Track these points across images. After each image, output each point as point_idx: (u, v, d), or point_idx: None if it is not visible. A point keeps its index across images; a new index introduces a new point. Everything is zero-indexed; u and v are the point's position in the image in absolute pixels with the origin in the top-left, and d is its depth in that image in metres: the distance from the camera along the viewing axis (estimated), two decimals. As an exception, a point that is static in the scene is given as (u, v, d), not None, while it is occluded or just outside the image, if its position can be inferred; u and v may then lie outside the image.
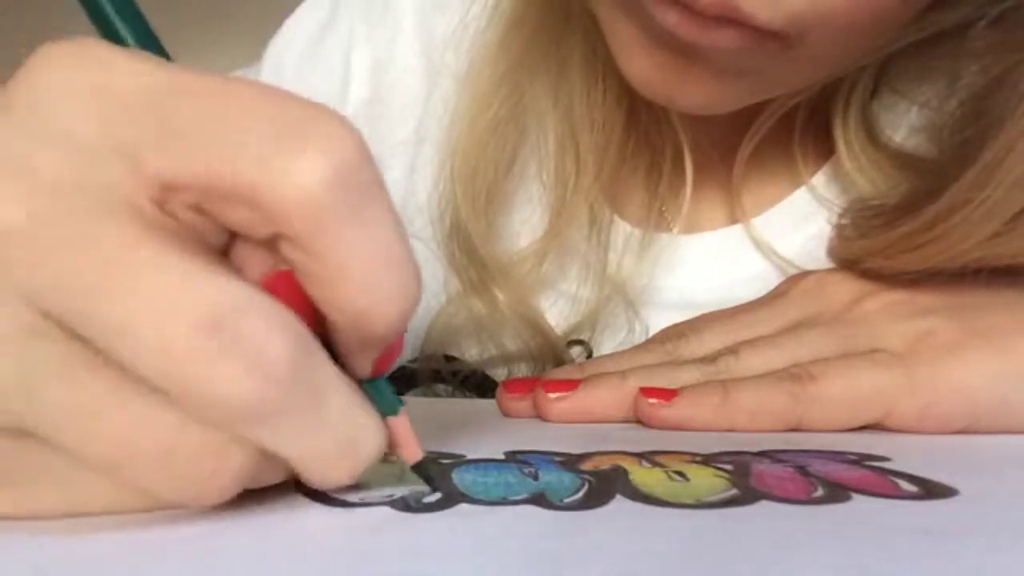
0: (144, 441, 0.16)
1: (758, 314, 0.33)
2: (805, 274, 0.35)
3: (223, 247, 0.17)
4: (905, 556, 0.15)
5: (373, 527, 0.17)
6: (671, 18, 0.28)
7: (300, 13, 0.50)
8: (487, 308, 0.42)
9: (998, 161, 0.28)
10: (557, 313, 0.42)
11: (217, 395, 0.15)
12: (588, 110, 0.41)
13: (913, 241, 0.31)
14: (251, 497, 0.19)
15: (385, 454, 0.19)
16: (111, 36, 0.18)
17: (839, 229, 0.36)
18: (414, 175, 0.46)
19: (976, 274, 0.31)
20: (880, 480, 0.21)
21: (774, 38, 0.28)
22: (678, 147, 0.40)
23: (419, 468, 0.20)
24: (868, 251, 0.33)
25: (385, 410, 0.19)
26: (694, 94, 0.32)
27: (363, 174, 0.16)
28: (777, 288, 0.35)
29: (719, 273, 0.41)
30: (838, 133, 0.38)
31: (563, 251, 0.42)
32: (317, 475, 0.18)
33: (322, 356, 0.17)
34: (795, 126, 0.39)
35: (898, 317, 0.30)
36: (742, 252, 0.41)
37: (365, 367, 0.19)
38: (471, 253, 0.42)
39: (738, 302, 0.35)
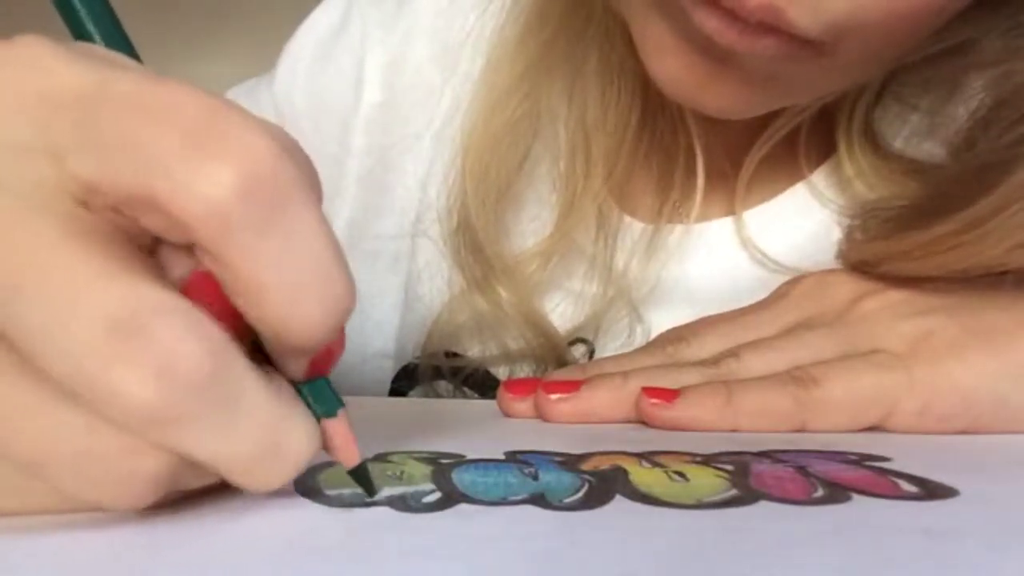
0: (58, 444, 0.16)
1: (759, 316, 0.33)
2: (805, 275, 0.35)
3: (150, 247, 0.17)
4: (905, 556, 0.15)
5: (373, 527, 0.17)
6: (712, 23, 0.28)
7: (313, 18, 0.50)
8: (491, 306, 0.42)
9: None
10: (561, 312, 0.42)
11: (121, 397, 0.15)
12: (602, 112, 0.41)
13: (947, 243, 0.30)
14: (250, 497, 0.19)
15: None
16: (78, 31, 0.18)
17: (849, 231, 0.36)
18: (429, 174, 0.46)
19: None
20: (880, 480, 0.21)
21: (810, 46, 0.28)
22: (690, 149, 0.40)
23: (355, 473, 0.20)
24: (889, 254, 0.33)
25: (321, 412, 0.19)
26: (721, 97, 0.32)
27: (278, 183, 0.16)
28: (777, 290, 0.35)
29: (724, 265, 0.41)
30: (840, 136, 0.38)
31: (570, 251, 0.42)
32: (241, 479, 0.18)
33: (240, 361, 0.17)
34: (802, 126, 0.39)
35: (898, 317, 0.30)
36: (744, 245, 0.41)
37: (298, 370, 0.18)
38: (477, 251, 0.42)
39: (744, 293, 0.35)
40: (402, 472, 0.21)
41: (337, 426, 0.19)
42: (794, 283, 0.34)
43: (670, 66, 0.32)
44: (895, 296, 0.30)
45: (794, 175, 0.41)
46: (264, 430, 0.17)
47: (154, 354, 0.15)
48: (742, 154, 0.41)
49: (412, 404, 0.40)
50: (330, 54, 0.49)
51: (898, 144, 0.38)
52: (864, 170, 0.38)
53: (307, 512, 0.19)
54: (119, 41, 0.18)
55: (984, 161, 0.31)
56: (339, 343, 0.19)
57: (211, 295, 0.17)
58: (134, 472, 0.16)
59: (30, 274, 0.15)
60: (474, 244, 0.42)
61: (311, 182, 0.17)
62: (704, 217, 0.42)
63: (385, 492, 0.20)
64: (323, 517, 0.18)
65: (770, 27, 0.27)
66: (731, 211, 0.42)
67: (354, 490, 0.20)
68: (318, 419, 0.19)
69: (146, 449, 0.16)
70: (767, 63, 0.29)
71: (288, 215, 0.16)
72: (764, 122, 0.39)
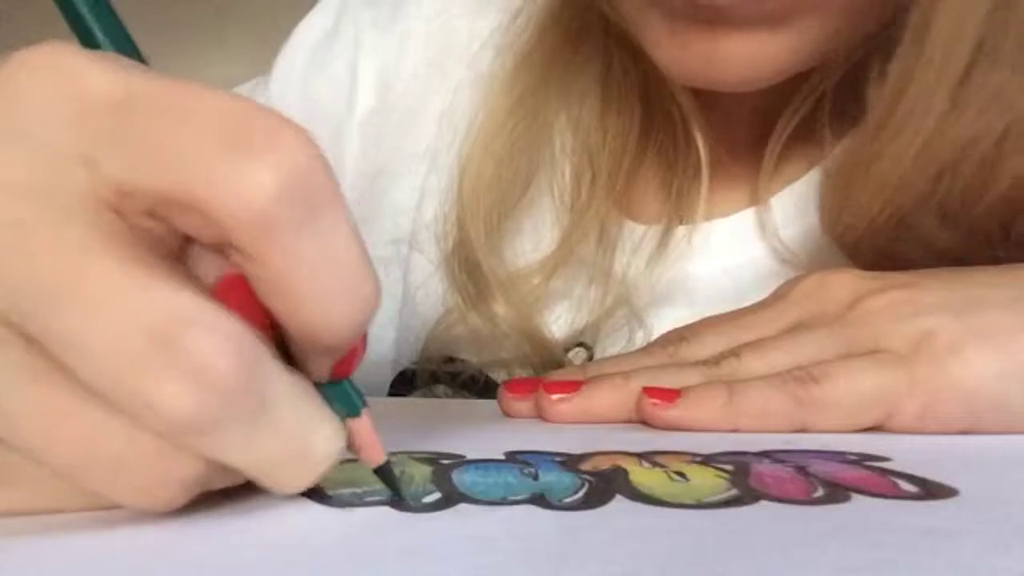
0: (97, 448, 0.16)
1: (759, 316, 0.33)
2: (806, 275, 0.35)
3: (179, 251, 0.17)
4: (905, 556, 0.15)
5: (373, 527, 0.17)
6: None
7: (306, 22, 0.50)
8: (486, 323, 0.42)
9: (925, 22, 0.30)
10: (563, 322, 0.42)
11: (159, 407, 0.15)
12: (602, 131, 0.41)
13: (877, 143, 0.32)
14: (250, 497, 0.19)
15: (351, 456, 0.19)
16: (86, 38, 0.18)
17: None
18: (425, 190, 0.46)
19: (979, 269, 0.31)
20: (880, 480, 0.21)
21: None
22: (694, 151, 0.40)
23: (381, 472, 0.20)
24: (847, 181, 0.34)
25: (345, 412, 0.19)
26: (732, 63, 0.32)
27: (314, 184, 0.16)
28: (778, 290, 0.35)
29: (736, 261, 0.41)
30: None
31: (572, 264, 0.42)
32: (270, 482, 0.18)
33: (272, 365, 0.17)
34: (823, 102, 0.39)
35: (899, 317, 0.30)
36: (754, 237, 0.41)
37: (323, 371, 0.19)
38: (473, 269, 0.42)
39: (751, 292, 0.36)
40: (402, 472, 0.21)
41: (361, 425, 0.19)
42: (794, 283, 0.34)
43: (671, 50, 0.32)
44: (896, 296, 0.30)
45: (814, 156, 0.41)
46: (294, 434, 0.17)
47: (191, 364, 0.15)
48: (751, 148, 0.41)
49: (412, 404, 0.40)
50: (324, 58, 0.49)
51: None
52: None
53: (307, 512, 0.19)
54: (129, 50, 0.18)
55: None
56: (362, 343, 0.19)
57: (242, 297, 0.17)
58: (168, 476, 0.17)
59: (65, 281, 0.15)
60: (469, 263, 0.42)
61: (338, 184, 0.17)
62: (710, 216, 0.42)
63: (385, 492, 0.20)
64: (323, 517, 0.18)
65: None
66: (741, 205, 0.42)
67: (354, 490, 0.20)
68: (342, 419, 0.19)
69: (180, 454, 0.16)
70: (754, 4, 0.30)
71: (323, 216, 0.16)
72: (768, 116, 0.39)
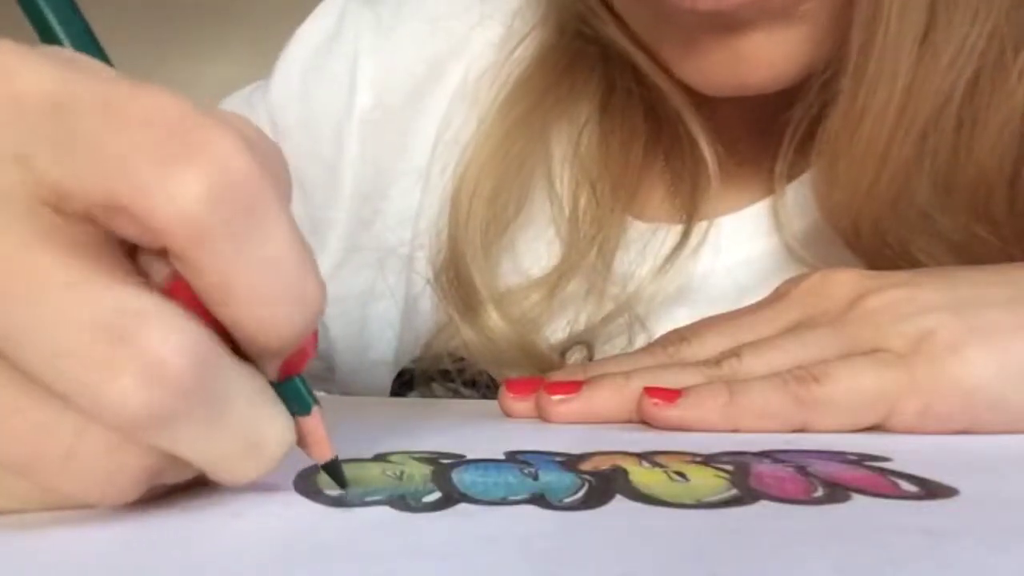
0: (47, 444, 0.16)
1: (760, 316, 0.33)
2: (806, 274, 0.35)
3: (131, 249, 0.17)
4: (905, 556, 0.15)
5: (373, 527, 0.17)
6: (685, 2, 0.28)
7: (306, 25, 0.50)
8: (480, 339, 0.42)
9: None
10: (563, 330, 0.42)
11: (109, 403, 0.15)
12: (604, 142, 0.41)
13: (855, 105, 0.33)
14: (250, 497, 0.19)
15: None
16: (46, 35, 0.18)
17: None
18: (422, 203, 0.47)
19: (978, 269, 0.31)
20: (880, 480, 0.21)
21: None
22: (704, 165, 0.41)
23: (329, 468, 0.20)
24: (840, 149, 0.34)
25: (296, 410, 0.19)
26: (756, 65, 0.32)
27: (249, 190, 0.16)
28: (778, 289, 0.35)
29: (741, 258, 0.41)
30: None
31: (575, 275, 0.42)
32: (220, 475, 0.18)
33: (224, 360, 0.17)
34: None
35: (899, 316, 0.30)
36: (764, 232, 0.42)
37: (271, 372, 0.19)
38: (465, 284, 0.42)
39: (766, 283, 0.36)
40: (402, 472, 0.21)
41: (311, 424, 0.19)
42: (795, 282, 0.34)
43: (692, 61, 0.32)
44: (896, 295, 0.30)
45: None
46: (246, 428, 0.18)
47: (141, 359, 0.15)
48: (756, 150, 0.41)
49: (412, 404, 0.40)
50: (324, 60, 0.49)
51: None
52: None
53: (307, 512, 0.19)
54: (88, 43, 0.18)
55: None
56: (311, 343, 0.19)
57: (191, 296, 0.17)
58: (120, 470, 0.17)
59: (9, 280, 0.15)
60: (460, 279, 0.42)
61: (282, 186, 0.17)
62: (715, 213, 0.42)
63: (385, 492, 0.20)
64: (323, 517, 0.18)
65: None
66: (750, 201, 0.42)
67: (354, 490, 0.20)
68: (293, 416, 0.19)
69: (131, 448, 0.16)
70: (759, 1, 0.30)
71: (259, 221, 0.16)
72: (775, 107, 0.40)
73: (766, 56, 0.32)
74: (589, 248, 0.42)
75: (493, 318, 0.41)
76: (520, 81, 0.43)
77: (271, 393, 0.19)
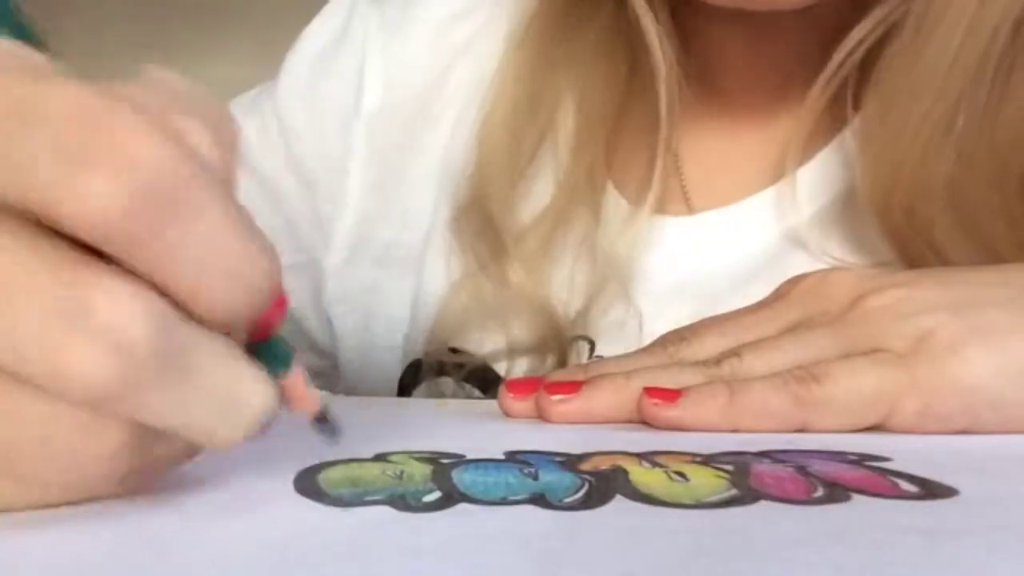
0: (22, 429, 0.16)
1: (760, 315, 0.33)
2: (806, 274, 0.35)
3: None
4: (905, 556, 0.15)
5: (373, 526, 0.17)
6: None
7: (316, 23, 0.51)
8: (496, 286, 0.42)
9: None
10: (565, 294, 0.43)
11: (75, 379, 0.15)
12: (594, 84, 0.42)
13: (918, 38, 0.34)
14: (248, 495, 0.19)
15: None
16: None
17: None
18: (438, 199, 0.47)
19: (978, 269, 0.32)
20: (880, 480, 0.21)
21: None
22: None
23: (320, 420, 0.20)
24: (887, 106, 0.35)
25: (273, 370, 0.19)
26: None
27: (165, 183, 0.16)
28: (778, 289, 0.35)
29: (745, 247, 0.42)
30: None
31: (568, 229, 0.43)
32: (204, 439, 0.18)
33: (185, 325, 0.17)
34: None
35: (899, 316, 0.30)
36: (770, 219, 0.42)
37: (238, 338, 0.18)
38: (487, 227, 0.43)
39: (770, 273, 0.36)
40: (402, 472, 0.21)
41: (292, 381, 0.20)
42: (795, 282, 0.34)
43: None
44: (895, 295, 0.30)
45: (833, 125, 0.41)
46: (219, 389, 0.17)
47: (101, 332, 0.15)
48: (769, 115, 0.42)
49: (412, 404, 0.41)
50: (331, 60, 0.50)
51: None
52: None
53: (307, 512, 0.19)
54: (21, 34, 0.18)
55: None
56: (276, 310, 0.19)
57: None
58: (99, 448, 0.17)
59: None
60: (483, 220, 0.42)
61: (213, 170, 0.17)
62: (725, 200, 0.42)
63: (385, 491, 0.20)
64: (323, 517, 0.18)
65: None
66: (754, 190, 0.42)
67: (354, 490, 0.20)
68: (273, 377, 0.19)
69: (107, 423, 0.16)
70: None
71: (181, 209, 0.16)
72: (786, 86, 0.40)
73: None
74: (577, 189, 0.43)
75: (511, 264, 0.42)
76: (525, 24, 0.44)
77: (243, 355, 0.18)
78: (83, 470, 0.17)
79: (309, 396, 0.20)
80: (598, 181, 0.43)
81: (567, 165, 0.43)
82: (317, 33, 0.50)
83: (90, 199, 0.15)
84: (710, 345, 0.32)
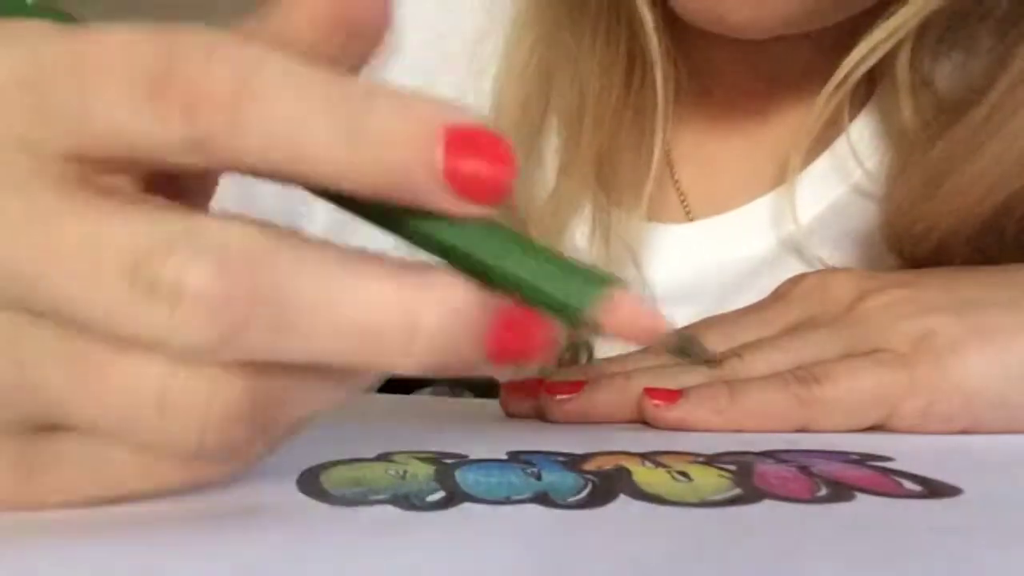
0: (139, 391, 0.15)
1: (761, 316, 0.33)
2: (806, 274, 0.35)
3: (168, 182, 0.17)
4: (908, 555, 0.15)
5: (376, 526, 0.17)
6: None
7: None
8: None
9: None
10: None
11: (166, 342, 0.15)
12: (593, 76, 0.42)
13: (975, 139, 0.32)
14: (251, 496, 0.19)
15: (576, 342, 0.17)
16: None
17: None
18: None
19: (978, 270, 0.32)
20: (883, 479, 0.21)
21: None
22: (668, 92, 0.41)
23: (683, 343, 0.15)
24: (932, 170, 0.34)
25: (578, 299, 0.14)
26: (740, 4, 0.33)
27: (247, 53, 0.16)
28: (778, 289, 0.35)
29: (743, 252, 0.42)
30: (897, 71, 0.38)
31: (562, 239, 0.43)
32: (368, 361, 0.16)
33: (286, 242, 0.15)
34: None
35: (900, 316, 0.30)
36: (767, 227, 0.42)
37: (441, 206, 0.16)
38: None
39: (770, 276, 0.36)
40: (405, 472, 0.21)
41: (620, 298, 0.15)
42: (795, 282, 0.34)
43: None
44: (896, 295, 0.30)
45: (831, 132, 0.41)
46: (377, 306, 0.15)
47: (167, 289, 0.15)
48: (763, 124, 0.41)
49: (415, 403, 0.40)
50: None
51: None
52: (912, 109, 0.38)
53: (308, 512, 0.18)
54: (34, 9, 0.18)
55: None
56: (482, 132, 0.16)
57: None
58: (222, 404, 0.15)
59: (44, 251, 0.15)
60: None
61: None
62: (722, 207, 0.42)
63: (388, 491, 0.20)
64: (324, 517, 0.18)
65: None
66: (751, 196, 0.42)
67: (357, 490, 0.20)
68: (574, 313, 0.14)
69: (228, 375, 0.15)
70: None
71: (272, 76, 0.16)
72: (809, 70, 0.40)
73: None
74: (575, 184, 0.43)
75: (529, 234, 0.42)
76: (530, 15, 0.44)
77: (423, 267, 0.16)
78: (206, 433, 0.15)
79: (647, 314, 0.15)
80: (592, 187, 0.43)
81: (558, 175, 0.43)
82: None
83: (156, 133, 0.15)
84: (711, 345, 0.32)
